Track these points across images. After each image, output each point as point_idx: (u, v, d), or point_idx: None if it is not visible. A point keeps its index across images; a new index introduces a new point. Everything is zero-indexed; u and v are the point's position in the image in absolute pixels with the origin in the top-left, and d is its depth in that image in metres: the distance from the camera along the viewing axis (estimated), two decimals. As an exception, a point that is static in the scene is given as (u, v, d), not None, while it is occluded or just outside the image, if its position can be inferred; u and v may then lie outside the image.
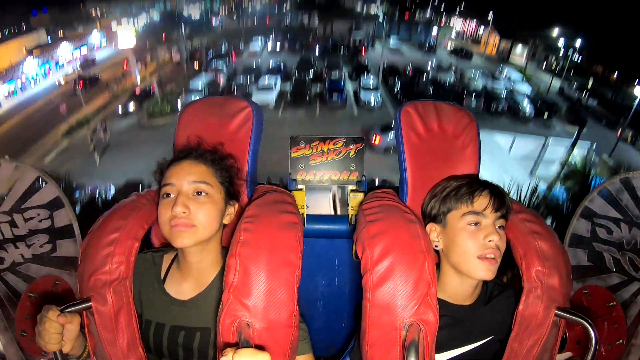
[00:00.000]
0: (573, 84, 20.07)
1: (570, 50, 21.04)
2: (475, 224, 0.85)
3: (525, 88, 19.44)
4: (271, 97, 16.77)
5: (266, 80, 18.11)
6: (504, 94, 17.72)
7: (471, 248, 0.84)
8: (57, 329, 0.76)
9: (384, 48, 22.13)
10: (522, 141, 10.56)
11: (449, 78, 20.46)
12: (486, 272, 0.83)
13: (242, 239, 0.77)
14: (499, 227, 0.85)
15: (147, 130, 14.72)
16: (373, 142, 11.82)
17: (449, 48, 28.53)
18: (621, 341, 1.04)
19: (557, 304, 0.84)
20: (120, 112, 16.33)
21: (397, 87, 18.34)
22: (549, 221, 3.51)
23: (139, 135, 14.37)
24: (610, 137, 14.37)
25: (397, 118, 1.01)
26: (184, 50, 23.43)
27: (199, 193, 0.83)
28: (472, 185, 0.88)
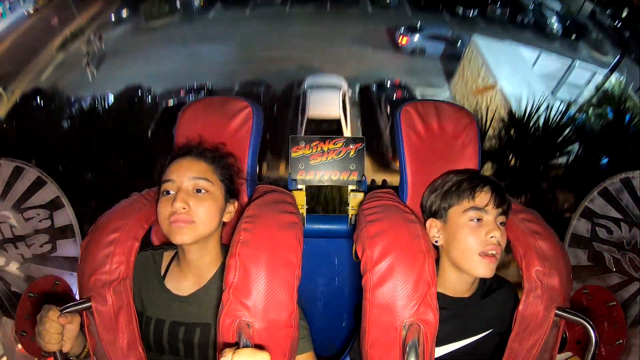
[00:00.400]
0: (607, 10, 17.63)
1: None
2: (477, 220, 0.85)
3: (555, 4, 17.45)
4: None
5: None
6: (531, 6, 16.06)
7: (473, 244, 0.84)
8: (57, 329, 0.76)
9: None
10: (548, 58, 9.76)
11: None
12: (486, 270, 0.83)
13: (242, 239, 0.77)
14: (500, 223, 0.85)
15: (146, 34, 13.92)
16: (400, 42, 11.48)
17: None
18: (621, 341, 1.04)
19: (557, 304, 0.84)
20: (113, 19, 14.90)
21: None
22: (576, 147, 3.35)
23: (137, 40, 13.55)
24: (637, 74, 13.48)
25: (397, 118, 1.01)
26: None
27: (199, 190, 0.83)
28: (473, 180, 0.88)
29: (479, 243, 0.83)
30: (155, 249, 0.95)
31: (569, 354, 0.96)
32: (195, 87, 8.91)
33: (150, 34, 13.77)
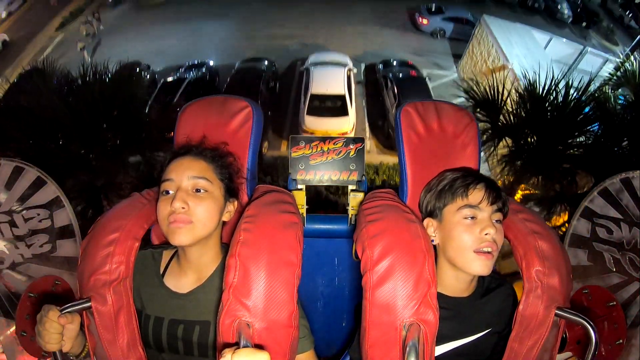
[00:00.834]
0: None
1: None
2: (472, 217, 0.85)
3: None
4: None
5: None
6: None
7: (467, 242, 0.84)
8: (57, 329, 0.76)
9: None
10: (559, 43, 9.58)
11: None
12: (482, 267, 0.83)
13: (242, 239, 0.77)
14: (496, 220, 0.85)
15: (145, 11, 13.65)
16: (420, 21, 11.57)
17: None
18: (621, 341, 1.04)
19: (557, 303, 0.84)
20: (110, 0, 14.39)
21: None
22: (596, 127, 3.15)
23: (136, 18, 13.25)
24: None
25: (397, 118, 1.01)
26: None
27: (198, 190, 0.83)
28: (467, 178, 0.88)
29: (473, 240, 0.83)
30: (155, 248, 0.95)
31: (569, 354, 0.96)
32: (195, 63, 8.69)
33: (150, 12, 13.45)
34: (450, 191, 0.88)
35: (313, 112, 7.03)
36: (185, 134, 0.98)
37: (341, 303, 1.32)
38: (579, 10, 15.23)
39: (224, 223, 0.92)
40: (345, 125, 7.00)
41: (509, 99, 3.44)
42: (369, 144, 7.54)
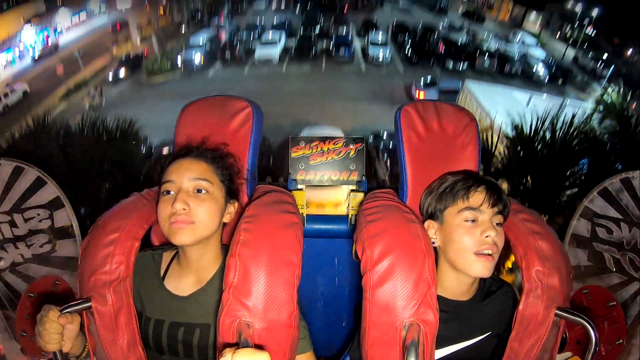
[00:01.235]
0: (588, 53, 18.57)
1: (586, 20, 19.25)
2: (472, 220, 0.85)
3: (539, 53, 18.39)
4: (275, 52, 16.19)
5: (270, 35, 17.31)
6: (517, 57, 16.98)
7: (468, 244, 0.84)
8: (57, 329, 0.76)
9: (393, 8, 21.75)
10: (539, 100, 10.02)
11: (461, 38, 19.11)
12: (482, 269, 0.83)
13: (242, 239, 0.77)
14: (497, 223, 0.85)
15: (147, 89, 14.48)
16: (417, 96, 12.06)
17: (460, 11, 25.65)
18: (621, 341, 1.04)
19: (557, 303, 0.84)
20: (110, 79, 15.49)
21: (408, 44, 17.37)
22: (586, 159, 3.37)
23: (137, 94, 14.06)
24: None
25: (397, 118, 1.01)
26: (184, 10, 22.12)
27: (199, 191, 0.83)
28: (468, 180, 0.88)
29: (474, 243, 0.83)
30: (155, 249, 0.95)
31: (569, 354, 0.96)
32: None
33: (150, 89, 14.44)
34: (451, 193, 0.88)
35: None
36: (185, 134, 0.98)
37: (341, 303, 1.32)
38: (553, 69, 16.39)
39: (225, 224, 0.92)
40: (339, 194, 7.20)
41: (499, 144, 3.71)
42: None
